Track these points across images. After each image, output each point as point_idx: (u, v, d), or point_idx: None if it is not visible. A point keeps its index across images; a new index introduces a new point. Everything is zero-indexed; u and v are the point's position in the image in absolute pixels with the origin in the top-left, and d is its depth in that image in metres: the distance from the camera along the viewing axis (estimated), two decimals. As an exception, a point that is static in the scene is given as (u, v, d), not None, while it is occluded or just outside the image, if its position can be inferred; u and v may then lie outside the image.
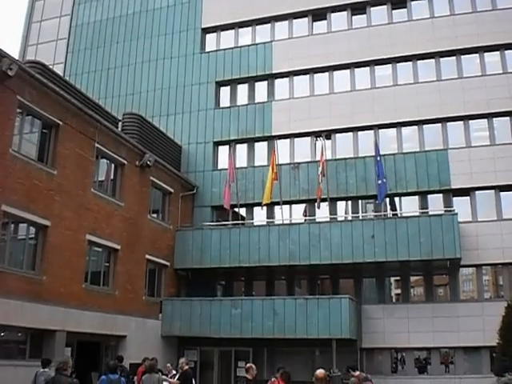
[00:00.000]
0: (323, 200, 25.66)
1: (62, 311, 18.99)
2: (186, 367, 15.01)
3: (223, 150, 29.73)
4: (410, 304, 25.39)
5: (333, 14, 30.00)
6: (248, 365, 12.85)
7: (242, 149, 29.66)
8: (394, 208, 27.08)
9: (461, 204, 25.12)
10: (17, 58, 19.33)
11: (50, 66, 23.23)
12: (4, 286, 16.60)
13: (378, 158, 24.83)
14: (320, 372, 7.81)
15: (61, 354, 17.87)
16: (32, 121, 19.23)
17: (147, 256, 24.76)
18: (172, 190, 27.23)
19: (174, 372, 16.62)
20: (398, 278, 26.92)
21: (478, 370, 23.68)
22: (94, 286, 21.46)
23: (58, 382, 8.00)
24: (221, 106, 30.51)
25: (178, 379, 14.63)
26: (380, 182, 24.56)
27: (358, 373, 12.40)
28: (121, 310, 22.42)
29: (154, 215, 26.34)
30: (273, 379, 13.64)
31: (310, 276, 27.59)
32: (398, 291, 27.11)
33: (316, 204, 25.68)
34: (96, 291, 21.43)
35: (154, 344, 24.18)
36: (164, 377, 15.51)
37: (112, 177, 23.60)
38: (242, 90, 30.71)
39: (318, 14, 30.17)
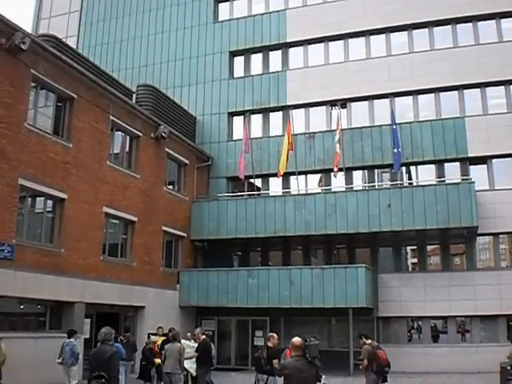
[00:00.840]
0: (339, 170, 25.55)
1: (81, 283, 19.22)
2: (203, 337, 15.10)
3: (238, 121, 29.57)
4: (427, 273, 25.41)
5: (347, -19, 29.50)
6: (269, 334, 13.03)
7: (256, 119, 29.55)
8: (410, 177, 26.92)
9: (478, 172, 24.93)
10: (30, 32, 19.30)
11: (63, 39, 23.11)
12: (23, 259, 16.80)
13: (394, 127, 24.64)
14: (297, 340, 7.90)
15: (80, 326, 18.23)
16: (46, 94, 19.22)
17: (164, 227, 24.91)
18: (187, 162, 27.24)
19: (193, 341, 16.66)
20: (415, 247, 26.86)
21: (495, 338, 23.77)
22: (111, 257, 21.66)
23: (103, 351, 8.54)
24: (235, 76, 30.29)
25: (196, 350, 14.66)
26: (396, 150, 24.41)
27: (370, 341, 12.48)
28: (139, 282, 22.64)
29: (170, 187, 26.41)
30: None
31: (326, 246, 27.64)
32: (415, 260, 27.08)
33: (333, 173, 25.52)
34: (114, 263, 21.64)
35: (172, 314, 24.46)
36: (187, 342, 15.60)
37: (127, 149, 23.63)
38: (256, 59, 30.42)
39: (332, -19, 29.70)
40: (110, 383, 8.13)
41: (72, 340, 14.66)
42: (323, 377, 14.14)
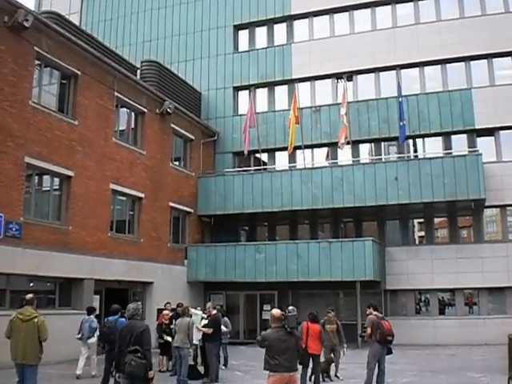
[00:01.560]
0: (347, 143, 25.43)
1: (90, 260, 19.36)
2: (214, 311, 15.12)
3: (243, 95, 29.43)
4: (434, 245, 25.40)
5: (352, -50, 29.03)
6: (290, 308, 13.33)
7: (262, 93, 29.37)
8: (416, 149, 26.80)
9: (485, 144, 24.79)
10: (32, 9, 19.16)
11: (66, 16, 22.93)
12: (31, 237, 16.92)
13: (400, 99, 24.46)
14: (276, 311, 8.25)
15: (90, 302, 18.37)
16: (51, 72, 19.17)
17: (171, 203, 24.95)
18: (193, 137, 27.18)
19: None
20: (422, 220, 26.84)
21: (502, 310, 23.88)
22: (119, 234, 21.74)
23: (134, 326, 8.69)
24: (239, 50, 30.05)
25: (207, 325, 14.67)
26: (401, 123, 24.28)
27: (375, 312, 12.58)
28: (147, 257, 22.76)
29: (176, 163, 26.40)
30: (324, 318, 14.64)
31: (333, 219, 27.64)
32: (422, 233, 27.09)
33: (340, 145, 25.31)
34: (122, 239, 21.73)
35: (181, 289, 24.61)
36: (194, 310, 15.59)
37: (133, 125, 23.58)
38: (261, 32, 30.15)
39: (337, -49, 29.23)
40: (145, 356, 8.35)
41: (91, 317, 14.85)
42: (345, 346, 14.39)
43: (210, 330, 14.18)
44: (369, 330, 12.21)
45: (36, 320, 9.78)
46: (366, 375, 12.10)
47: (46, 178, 18.89)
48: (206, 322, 14.90)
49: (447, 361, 18.34)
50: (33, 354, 9.56)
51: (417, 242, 27.12)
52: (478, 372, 15.20)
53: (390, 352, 12.36)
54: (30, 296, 10.24)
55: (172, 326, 14.98)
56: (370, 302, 13.97)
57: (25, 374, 9.54)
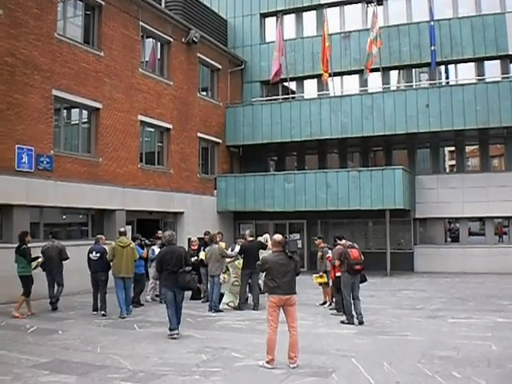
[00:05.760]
0: (375, 70, 24.92)
1: (121, 191, 19.65)
2: (250, 239, 15.26)
3: (270, 22, 28.73)
4: (465, 174, 25.10)
5: None
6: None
7: (289, 20, 28.63)
8: (448, 76, 26.14)
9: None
10: None
11: None
12: (62, 170, 17.15)
13: (432, 24, 23.70)
14: (277, 236, 8.53)
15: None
16: (74, 3, 18.88)
17: (199, 134, 24.92)
18: (220, 67, 26.84)
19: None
20: (453, 148, 26.44)
21: (533, 238, 23.74)
22: (149, 165, 21.87)
23: (175, 250, 10.65)
24: (266, -26, 29.12)
25: (239, 251, 14.85)
26: (432, 48, 23.62)
27: (343, 241, 12.52)
28: (177, 188, 22.99)
29: (204, 93, 26.18)
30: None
31: (363, 148, 27.43)
32: (452, 162, 26.77)
33: (365, 75, 24.81)
34: (152, 170, 21.89)
35: (211, 219, 24.92)
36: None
37: (159, 56, 23.33)
38: (287, -45, 29.11)
39: None
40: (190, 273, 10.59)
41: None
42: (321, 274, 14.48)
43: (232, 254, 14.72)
44: (337, 262, 12.30)
45: (131, 246, 13.29)
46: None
47: (75, 110, 18.91)
48: (237, 248, 15.19)
49: (476, 288, 18.44)
50: (131, 270, 13.22)
51: (447, 171, 26.86)
52: (506, 299, 15.29)
53: (363, 280, 12.28)
54: (123, 229, 13.94)
55: (201, 255, 15.16)
56: (335, 234, 13.57)
57: (126, 283, 13.07)
